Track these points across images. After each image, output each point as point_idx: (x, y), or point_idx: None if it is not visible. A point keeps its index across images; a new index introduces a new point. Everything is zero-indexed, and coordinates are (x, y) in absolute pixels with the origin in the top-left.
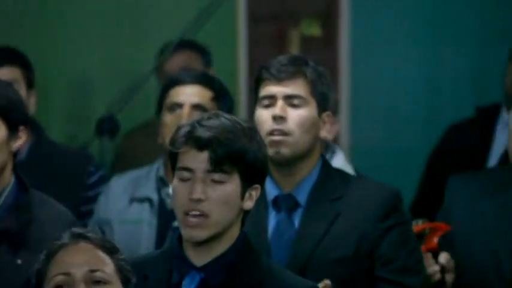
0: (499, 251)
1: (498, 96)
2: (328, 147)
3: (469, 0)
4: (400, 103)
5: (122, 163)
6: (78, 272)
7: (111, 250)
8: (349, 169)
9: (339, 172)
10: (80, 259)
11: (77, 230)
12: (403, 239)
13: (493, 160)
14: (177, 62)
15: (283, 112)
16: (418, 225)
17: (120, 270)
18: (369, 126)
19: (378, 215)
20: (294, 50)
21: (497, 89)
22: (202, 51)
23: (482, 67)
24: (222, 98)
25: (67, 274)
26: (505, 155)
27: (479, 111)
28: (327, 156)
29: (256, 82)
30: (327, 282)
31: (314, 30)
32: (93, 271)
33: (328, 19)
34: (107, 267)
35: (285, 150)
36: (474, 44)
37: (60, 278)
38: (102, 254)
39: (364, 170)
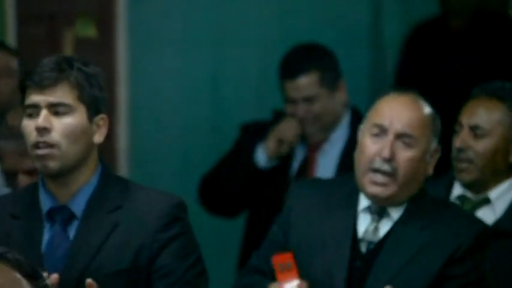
0: (332, 270)
1: (281, 99)
2: None
3: (257, 2)
4: (184, 106)
5: None
6: None
7: (30, 275)
8: None
9: (120, 180)
10: None
11: None
12: (184, 251)
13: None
14: None
15: (47, 123)
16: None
17: None
18: (150, 131)
19: (159, 225)
20: (69, 51)
21: (280, 93)
22: (15, 53)
23: (266, 70)
24: None
25: None
26: (301, 167)
27: (276, 115)
28: None
29: (20, 90)
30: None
31: (90, 31)
32: None
33: (105, 20)
34: None
35: (53, 164)
36: (259, 46)
37: None
38: (19, 277)
39: (144, 174)
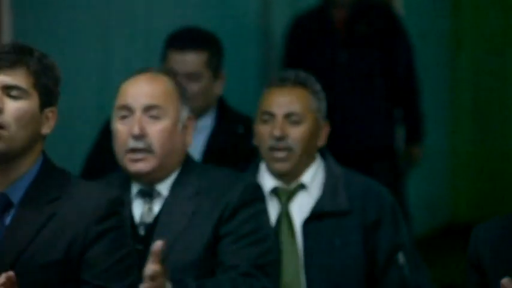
0: None
1: None
2: None
3: None
4: (70, 105)
5: None
6: None
7: None
8: None
9: (61, 172)
10: None
11: None
12: (116, 244)
13: None
14: None
15: (0, 103)
16: None
17: None
18: None
19: (95, 218)
20: None
21: None
22: None
23: (154, 63)
24: None
25: None
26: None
27: None
28: None
29: None
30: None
31: None
32: None
33: None
34: None
35: (0, 145)
36: (145, 39)
37: None
38: None
39: None
